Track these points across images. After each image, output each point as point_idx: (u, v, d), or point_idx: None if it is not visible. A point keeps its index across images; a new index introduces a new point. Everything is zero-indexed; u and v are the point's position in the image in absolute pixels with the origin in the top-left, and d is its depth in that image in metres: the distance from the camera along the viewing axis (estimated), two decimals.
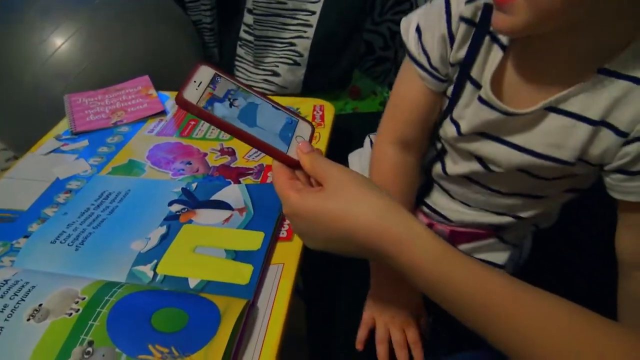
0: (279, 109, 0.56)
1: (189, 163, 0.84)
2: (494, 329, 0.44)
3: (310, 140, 0.55)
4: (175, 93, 0.49)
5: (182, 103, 0.49)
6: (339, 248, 0.50)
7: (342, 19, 1.46)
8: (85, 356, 0.50)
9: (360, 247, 0.48)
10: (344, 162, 0.96)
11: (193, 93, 0.50)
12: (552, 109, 0.54)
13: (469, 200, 0.70)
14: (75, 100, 1.03)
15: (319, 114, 0.97)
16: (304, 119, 0.57)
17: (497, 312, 0.44)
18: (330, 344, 0.89)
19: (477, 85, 0.59)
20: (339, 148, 0.93)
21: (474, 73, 0.59)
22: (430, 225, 0.76)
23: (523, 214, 0.68)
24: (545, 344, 0.42)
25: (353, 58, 1.57)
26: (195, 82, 0.51)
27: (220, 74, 0.53)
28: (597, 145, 0.53)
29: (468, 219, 0.71)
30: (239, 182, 0.78)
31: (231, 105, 0.52)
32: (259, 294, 0.60)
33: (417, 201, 0.76)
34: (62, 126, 0.97)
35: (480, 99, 0.58)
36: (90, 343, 0.51)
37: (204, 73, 0.52)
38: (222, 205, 0.72)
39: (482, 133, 0.60)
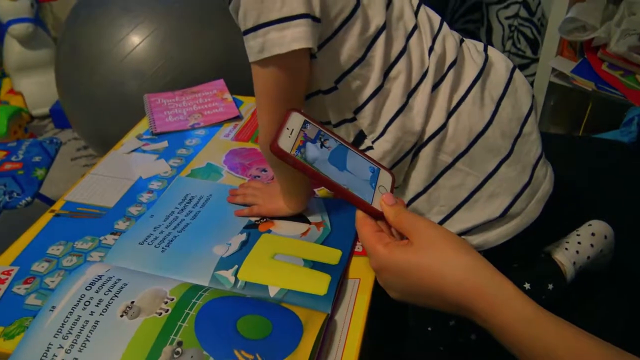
0: (363, 157, 0.57)
1: (265, 170, 0.86)
2: None
3: (392, 190, 0.56)
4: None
5: (277, 152, 0.51)
6: (425, 302, 0.51)
7: None
8: (175, 356, 0.53)
9: (448, 303, 0.49)
10: None
11: (287, 141, 0.52)
12: None
13: None
14: (154, 101, 1.07)
15: None
16: (384, 167, 0.59)
17: None
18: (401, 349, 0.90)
19: None
20: None
21: None
22: None
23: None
24: None
25: None
26: (287, 129, 0.53)
27: (309, 121, 0.56)
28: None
29: None
30: (314, 193, 0.80)
31: (322, 145, 0.54)
32: (337, 308, 0.62)
33: None
34: (143, 126, 1.01)
35: None
36: (180, 343, 0.54)
37: (295, 120, 0.55)
38: (299, 217, 0.74)
39: None
